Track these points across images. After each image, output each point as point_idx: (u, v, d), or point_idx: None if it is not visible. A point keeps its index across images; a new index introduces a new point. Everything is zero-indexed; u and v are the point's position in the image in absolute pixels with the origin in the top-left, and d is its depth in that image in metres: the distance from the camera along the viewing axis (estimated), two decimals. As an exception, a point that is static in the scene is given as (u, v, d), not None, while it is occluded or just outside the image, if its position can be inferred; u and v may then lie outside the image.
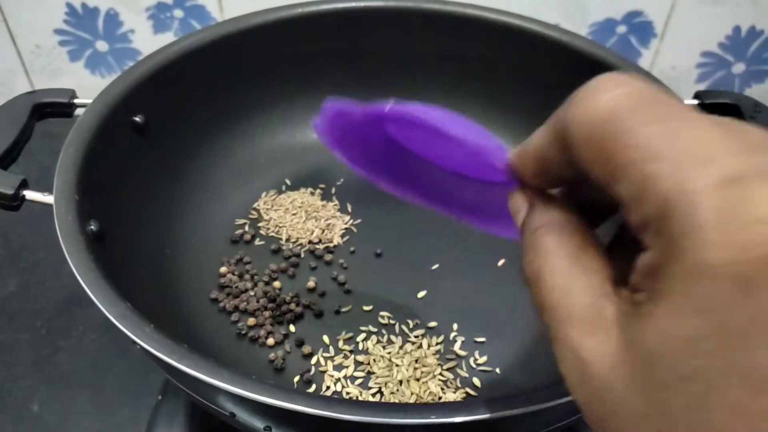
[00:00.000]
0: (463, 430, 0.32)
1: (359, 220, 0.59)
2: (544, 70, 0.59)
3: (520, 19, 0.59)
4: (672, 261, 0.18)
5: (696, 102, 0.52)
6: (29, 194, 0.44)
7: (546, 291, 0.23)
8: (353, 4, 0.59)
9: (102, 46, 0.77)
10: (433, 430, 0.32)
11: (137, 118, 0.51)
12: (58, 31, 0.75)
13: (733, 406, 0.17)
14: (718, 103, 0.51)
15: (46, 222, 0.66)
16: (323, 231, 0.57)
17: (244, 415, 0.37)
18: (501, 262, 0.56)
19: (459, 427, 0.32)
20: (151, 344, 0.34)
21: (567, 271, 0.22)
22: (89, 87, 0.77)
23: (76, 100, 0.51)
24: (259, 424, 0.36)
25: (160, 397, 0.53)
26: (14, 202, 0.44)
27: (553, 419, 0.36)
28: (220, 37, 0.56)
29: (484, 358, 0.49)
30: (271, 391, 0.32)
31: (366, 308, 0.52)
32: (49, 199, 0.42)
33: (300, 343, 0.50)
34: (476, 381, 0.48)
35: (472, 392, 0.47)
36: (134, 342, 0.35)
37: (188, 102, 0.56)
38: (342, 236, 0.57)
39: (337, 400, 0.32)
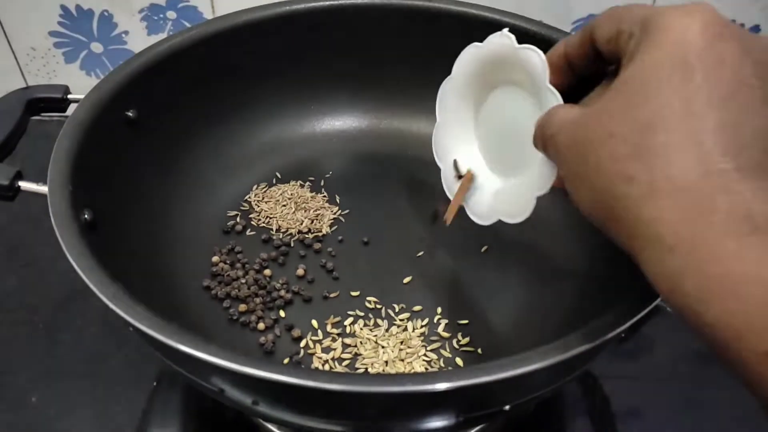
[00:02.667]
0: (436, 397, 0.34)
1: (347, 211, 0.61)
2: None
3: (503, 15, 0.60)
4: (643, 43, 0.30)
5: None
6: (24, 185, 0.45)
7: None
8: (339, 3, 0.61)
9: (97, 47, 0.78)
10: (410, 398, 0.34)
11: (129, 113, 0.53)
12: (53, 33, 0.77)
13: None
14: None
15: (42, 219, 0.67)
16: (312, 221, 0.59)
17: (232, 391, 0.38)
18: (483, 249, 0.57)
19: (433, 395, 0.33)
20: (143, 322, 0.36)
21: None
22: (85, 88, 0.78)
23: (69, 96, 0.53)
24: (247, 399, 0.38)
25: (155, 384, 0.55)
26: (9, 192, 0.45)
27: (514, 393, 0.38)
28: (210, 34, 0.58)
29: (466, 339, 0.51)
30: (255, 364, 0.33)
31: (353, 293, 0.54)
32: (43, 189, 0.44)
33: (289, 328, 0.51)
34: (459, 361, 0.49)
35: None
36: (126, 321, 0.37)
37: (179, 97, 0.57)
38: (330, 226, 0.59)
39: (317, 372, 0.33)
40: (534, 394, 0.38)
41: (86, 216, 0.44)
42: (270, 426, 0.51)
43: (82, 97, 0.51)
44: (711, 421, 0.54)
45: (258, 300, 0.52)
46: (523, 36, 0.58)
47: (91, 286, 0.37)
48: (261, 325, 0.51)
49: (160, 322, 0.36)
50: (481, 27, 0.60)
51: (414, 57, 0.64)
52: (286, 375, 0.33)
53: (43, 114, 0.52)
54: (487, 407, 0.36)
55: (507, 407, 0.37)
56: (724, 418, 0.54)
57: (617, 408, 0.55)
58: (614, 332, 0.34)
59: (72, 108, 0.51)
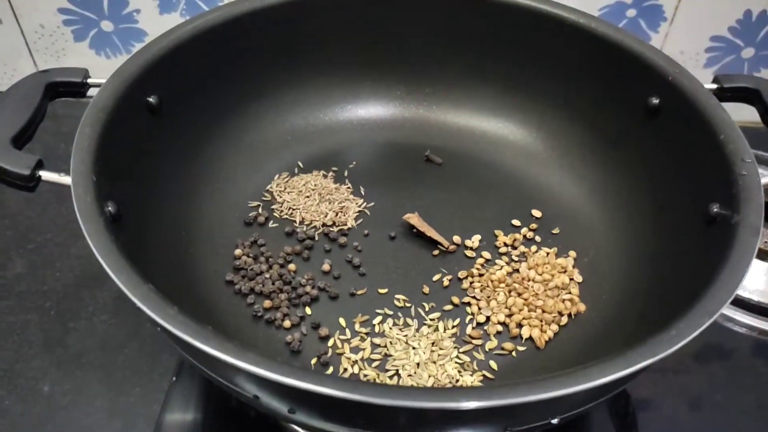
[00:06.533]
0: (484, 413, 0.32)
1: (372, 203, 0.59)
2: (560, 53, 0.59)
3: (536, 1, 0.58)
4: None
5: (715, 86, 0.52)
6: (45, 175, 0.43)
7: None
8: (368, -14, 0.59)
9: (107, 26, 0.76)
10: (458, 414, 0.32)
11: (151, 99, 0.51)
12: (62, 11, 0.74)
13: None
14: (737, 87, 0.51)
15: (53, 203, 0.66)
16: (337, 214, 0.57)
17: (267, 398, 0.37)
18: (515, 245, 0.56)
19: (482, 411, 0.32)
20: (177, 327, 0.34)
21: None
22: (94, 67, 0.75)
23: (89, 80, 0.51)
24: (283, 406, 0.36)
25: (174, 379, 0.53)
26: (30, 182, 0.43)
27: (563, 408, 0.36)
28: (233, 17, 0.55)
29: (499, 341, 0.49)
30: (300, 375, 0.32)
31: (381, 291, 0.52)
32: (66, 179, 0.42)
33: (316, 326, 0.50)
34: (493, 364, 0.48)
35: (489, 375, 0.47)
36: (157, 324, 0.35)
37: (201, 83, 0.55)
38: (356, 219, 0.58)
39: (368, 384, 0.32)
40: (584, 406, 0.36)
41: (110, 208, 0.42)
42: (293, 425, 0.50)
43: (102, 81, 0.48)
44: (724, 412, 0.53)
45: (283, 296, 0.51)
46: (558, 24, 0.57)
47: (123, 288, 0.35)
48: (287, 323, 0.49)
49: (195, 326, 0.34)
50: (507, 12, 0.59)
51: (441, 44, 0.62)
52: (331, 387, 0.31)
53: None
54: (537, 421, 0.35)
55: (555, 420, 0.35)
56: (737, 409, 0.54)
57: (634, 398, 0.54)
58: (675, 347, 0.33)
59: (91, 92, 0.49)
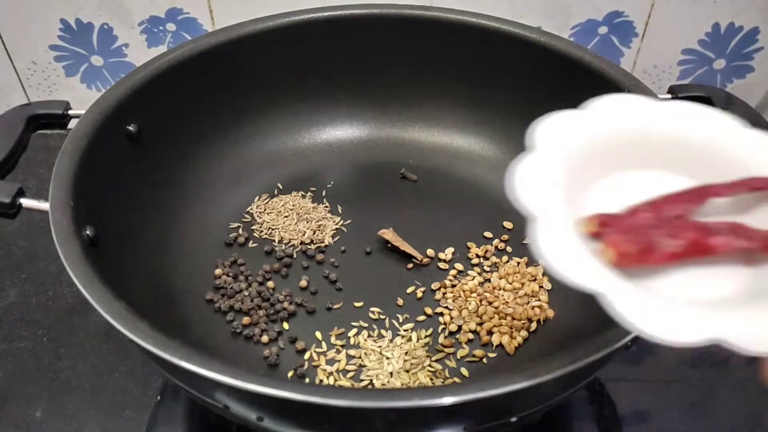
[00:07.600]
0: (444, 411, 0.33)
1: (349, 221, 0.61)
2: (524, 70, 0.60)
3: (500, 23, 0.60)
4: None
5: (670, 96, 0.53)
6: (26, 202, 0.46)
7: None
8: (338, 13, 0.61)
9: (97, 60, 0.78)
10: (417, 413, 0.33)
11: (130, 127, 0.53)
12: (53, 47, 0.77)
13: None
14: (691, 97, 0.53)
15: (46, 233, 0.67)
16: (315, 232, 0.59)
17: (237, 407, 0.38)
18: (488, 256, 0.57)
19: (441, 410, 0.33)
20: (146, 340, 0.36)
21: None
22: (86, 101, 0.77)
23: (70, 111, 0.53)
24: (251, 414, 0.38)
25: (159, 398, 0.54)
26: (11, 210, 0.45)
27: (521, 405, 0.37)
28: (211, 47, 0.58)
29: (471, 349, 0.50)
30: (260, 380, 0.33)
31: (357, 304, 0.54)
32: (44, 206, 0.44)
33: (293, 340, 0.51)
34: (464, 371, 0.49)
35: (459, 382, 0.48)
36: (130, 339, 0.36)
37: (180, 110, 0.57)
38: (333, 236, 0.59)
39: (323, 387, 0.33)
40: (540, 405, 0.37)
41: (88, 232, 0.44)
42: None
43: (82, 112, 0.51)
44: (715, 423, 0.54)
45: (261, 312, 0.52)
46: (521, 43, 0.59)
47: (94, 304, 0.37)
48: (265, 338, 0.51)
49: (164, 339, 0.36)
50: (479, 35, 0.61)
51: (412, 66, 0.64)
52: (290, 391, 0.33)
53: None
54: (494, 419, 0.36)
55: (514, 419, 0.36)
56: (728, 420, 0.54)
57: (623, 411, 0.55)
58: (620, 343, 0.34)
59: (73, 123, 0.51)
